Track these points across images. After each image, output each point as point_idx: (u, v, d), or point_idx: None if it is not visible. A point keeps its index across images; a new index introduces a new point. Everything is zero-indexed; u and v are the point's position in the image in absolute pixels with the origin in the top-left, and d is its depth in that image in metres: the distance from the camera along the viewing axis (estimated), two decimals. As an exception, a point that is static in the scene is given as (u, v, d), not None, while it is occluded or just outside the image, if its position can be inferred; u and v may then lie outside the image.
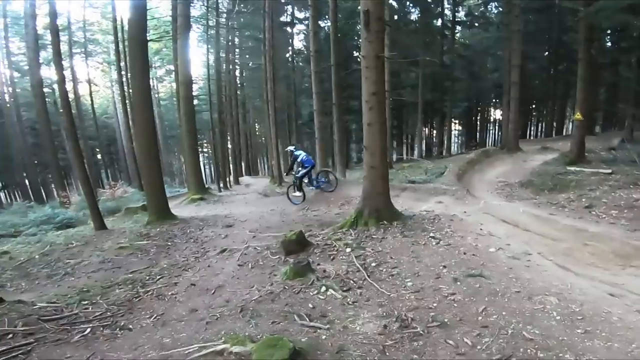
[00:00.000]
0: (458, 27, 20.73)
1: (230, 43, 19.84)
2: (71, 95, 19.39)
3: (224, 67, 19.15)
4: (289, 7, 20.03)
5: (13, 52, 21.94)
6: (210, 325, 2.84)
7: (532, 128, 25.32)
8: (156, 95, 29.93)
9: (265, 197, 12.21)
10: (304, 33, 21.42)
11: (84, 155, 9.10)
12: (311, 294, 3.26)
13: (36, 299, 4.02)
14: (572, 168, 8.64)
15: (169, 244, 6.38)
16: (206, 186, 15.59)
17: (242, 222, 7.35)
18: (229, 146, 21.46)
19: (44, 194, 22.16)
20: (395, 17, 18.25)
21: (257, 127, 28.28)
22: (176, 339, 2.68)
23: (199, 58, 26.47)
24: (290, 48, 21.48)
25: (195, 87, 19.79)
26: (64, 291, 4.32)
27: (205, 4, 16.15)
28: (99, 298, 3.84)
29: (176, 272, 4.63)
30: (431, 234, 4.69)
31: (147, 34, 8.40)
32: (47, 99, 16.54)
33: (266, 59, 14.04)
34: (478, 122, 27.41)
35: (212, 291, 3.71)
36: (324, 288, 3.29)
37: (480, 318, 2.59)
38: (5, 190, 23.56)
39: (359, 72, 5.76)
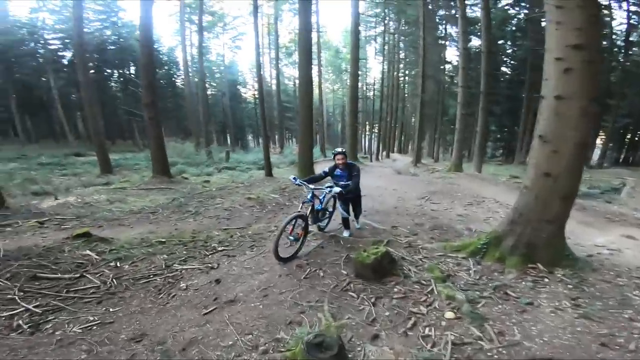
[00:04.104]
0: None
1: (396, 55, 23.78)
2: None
3: (391, 71, 23.81)
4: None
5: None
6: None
7: None
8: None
9: (398, 175, 11.11)
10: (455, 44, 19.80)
11: (266, 122, 10.64)
12: None
13: (130, 236, 3.82)
14: None
15: (287, 203, 5.97)
16: (359, 155, 16.69)
17: (361, 196, 6.20)
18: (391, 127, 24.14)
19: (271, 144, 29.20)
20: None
21: (412, 120, 31.25)
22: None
23: (376, 66, 32.43)
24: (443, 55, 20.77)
25: (375, 85, 26.74)
26: (164, 233, 4.04)
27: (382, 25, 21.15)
28: (138, 262, 3.16)
29: (245, 246, 3.66)
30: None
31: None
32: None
33: (421, 62, 14.40)
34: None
35: (212, 309, 2.30)
36: None
37: None
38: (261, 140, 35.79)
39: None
